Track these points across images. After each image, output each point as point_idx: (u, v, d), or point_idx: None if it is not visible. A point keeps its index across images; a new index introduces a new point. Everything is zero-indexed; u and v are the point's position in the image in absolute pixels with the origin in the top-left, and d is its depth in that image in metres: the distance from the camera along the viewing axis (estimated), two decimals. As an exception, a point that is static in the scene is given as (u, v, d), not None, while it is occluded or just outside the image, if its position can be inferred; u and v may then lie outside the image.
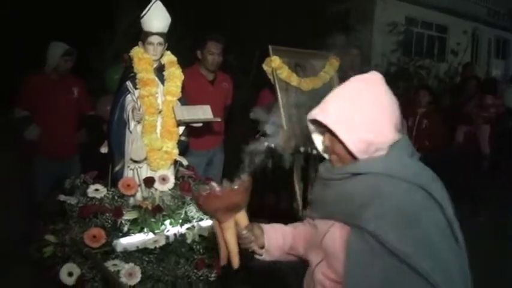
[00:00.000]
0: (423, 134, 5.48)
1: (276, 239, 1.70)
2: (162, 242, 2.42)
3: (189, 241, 2.53)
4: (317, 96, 3.86)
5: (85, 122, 4.05)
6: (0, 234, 4.03)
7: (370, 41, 9.79)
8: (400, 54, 10.02)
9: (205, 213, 1.70)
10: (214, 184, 1.60)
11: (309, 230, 1.67)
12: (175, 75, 2.75)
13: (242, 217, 1.66)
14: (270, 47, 3.58)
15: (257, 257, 1.71)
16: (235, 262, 1.64)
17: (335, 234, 1.42)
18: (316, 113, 1.43)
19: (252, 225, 1.67)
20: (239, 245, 1.66)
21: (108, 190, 2.60)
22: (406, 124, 5.45)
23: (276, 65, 3.54)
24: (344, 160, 1.43)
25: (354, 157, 1.39)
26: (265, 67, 3.62)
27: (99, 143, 2.99)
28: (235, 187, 1.59)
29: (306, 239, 1.68)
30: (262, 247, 1.68)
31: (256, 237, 1.66)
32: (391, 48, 9.99)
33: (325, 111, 1.41)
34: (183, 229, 2.55)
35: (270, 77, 3.62)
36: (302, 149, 3.44)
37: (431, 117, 5.56)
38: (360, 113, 1.35)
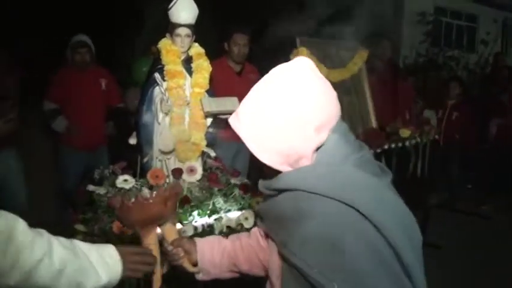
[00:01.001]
0: (453, 127, 5.37)
1: (211, 256, 1.47)
2: (191, 232, 2.43)
3: (216, 232, 2.54)
4: (345, 87, 3.84)
5: (113, 113, 4.11)
6: (33, 222, 4.12)
7: (399, 31, 9.61)
8: (429, 45, 9.80)
9: (125, 227, 1.56)
10: (146, 191, 1.54)
11: (254, 244, 1.47)
12: (203, 67, 2.75)
13: (169, 231, 1.51)
14: (297, 38, 3.55)
15: (196, 276, 1.51)
16: (157, 283, 1.47)
17: (273, 256, 1.22)
18: (232, 119, 1.20)
19: (181, 240, 1.49)
20: (170, 262, 1.51)
21: (136, 181, 2.63)
22: (436, 116, 5.36)
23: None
24: (272, 172, 1.16)
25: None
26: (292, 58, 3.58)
27: (127, 134, 3.03)
28: (150, 198, 1.45)
29: (249, 254, 1.47)
30: (196, 264, 1.48)
31: (187, 253, 1.47)
32: (420, 39, 9.78)
33: (239, 118, 1.17)
34: (211, 220, 2.56)
35: (297, 68, 3.58)
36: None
37: (462, 109, 5.45)
38: (272, 118, 1.09)
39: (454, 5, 13.18)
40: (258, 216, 1.42)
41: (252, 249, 1.47)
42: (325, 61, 3.72)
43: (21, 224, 1.15)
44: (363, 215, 1.00)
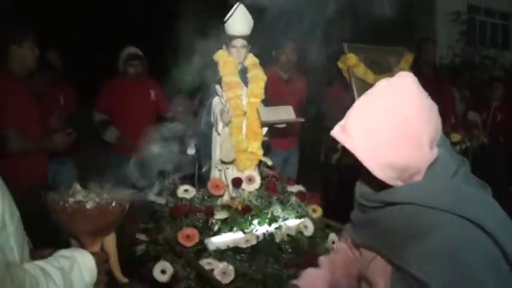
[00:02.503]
0: (498, 129, 5.26)
1: None
2: (254, 242, 2.46)
3: (277, 240, 2.57)
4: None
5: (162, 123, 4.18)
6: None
7: (434, 32, 9.47)
8: (464, 44, 9.64)
9: (67, 233, 1.35)
10: (80, 196, 1.28)
11: (346, 259, 1.47)
12: (259, 76, 2.80)
13: (111, 241, 1.37)
14: (344, 44, 3.56)
15: None
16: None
17: (377, 266, 1.21)
18: (337, 133, 1.19)
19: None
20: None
21: (197, 191, 2.68)
22: (480, 118, 5.27)
23: (352, 63, 3.51)
24: (377, 185, 1.18)
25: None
26: (340, 65, 3.60)
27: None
28: (113, 204, 1.27)
29: (345, 271, 1.46)
30: None
31: None
32: (455, 38, 9.63)
33: (346, 132, 1.16)
34: (271, 228, 2.59)
35: (345, 74, 3.60)
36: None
37: (507, 111, 5.34)
38: (388, 135, 1.10)
39: (487, 2, 12.92)
40: (351, 225, 1.42)
41: (345, 266, 1.47)
42: (372, 66, 3.71)
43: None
44: (481, 228, 1.03)
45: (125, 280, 1.43)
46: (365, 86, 3.63)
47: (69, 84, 4.26)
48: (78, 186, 1.32)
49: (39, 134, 2.92)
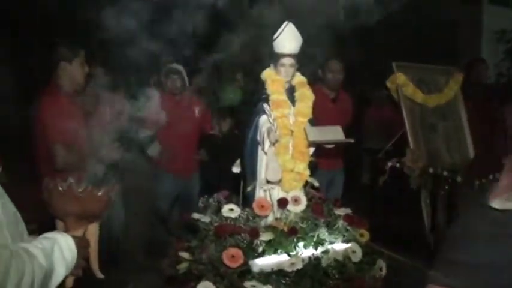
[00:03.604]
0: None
1: None
2: (299, 265, 2.40)
3: (323, 265, 2.49)
4: (441, 113, 3.72)
5: (205, 140, 4.19)
6: (130, 245, 4.26)
7: (478, 50, 9.23)
8: (510, 63, 9.33)
9: (53, 213, 1.44)
10: (72, 180, 1.39)
11: None
12: (306, 95, 2.76)
13: (93, 230, 1.48)
14: (394, 63, 3.49)
15: None
16: (69, 282, 1.40)
17: None
18: None
19: None
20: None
21: (242, 210, 2.64)
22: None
23: (401, 82, 3.43)
24: None
25: None
26: (389, 84, 3.52)
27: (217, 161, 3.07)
28: (100, 192, 1.40)
29: None
30: None
31: None
32: (500, 57, 9.34)
33: None
34: (317, 252, 2.51)
35: (394, 94, 3.52)
36: (431, 170, 3.28)
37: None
38: None
39: (534, 21, 12.51)
40: (457, 263, 1.04)
41: None
42: (421, 86, 3.61)
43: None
44: None
45: (100, 275, 1.52)
46: (414, 106, 3.54)
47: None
48: (71, 178, 1.42)
49: (85, 149, 2.96)
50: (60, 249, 1.30)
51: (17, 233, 1.29)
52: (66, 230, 1.40)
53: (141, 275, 3.94)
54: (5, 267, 1.09)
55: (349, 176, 3.99)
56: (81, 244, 1.37)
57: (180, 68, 4.10)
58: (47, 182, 1.43)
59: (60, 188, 1.36)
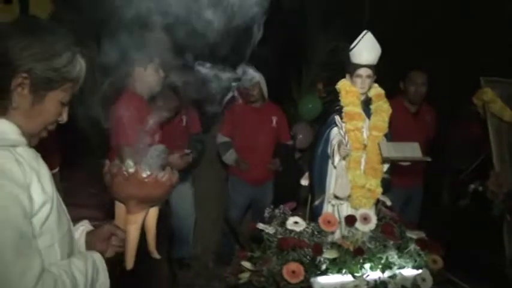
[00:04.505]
0: None
1: None
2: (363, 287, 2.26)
3: (390, 290, 2.33)
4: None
5: (281, 150, 4.15)
6: (201, 252, 4.35)
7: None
8: None
9: (115, 195, 1.48)
10: (131, 163, 1.43)
11: None
12: (383, 109, 2.61)
13: (153, 215, 1.51)
14: (481, 78, 3.20)
15: None
16: (130, 262, 1.48)
17: None
18: None
19: None
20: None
21: (307, 224, 2.55)
22: None
23: (488, 98, 3.13)
24: None
25: None
26: (475, 100, 3.24)
27: (291, 172, 2.99)
28: (164, 178, 1.42)
29: None
30: None
31: None
32: None
33: None
34: (384, 276, 2.36)
35: (480, 111, 3.23)
36: (516, 196, 2.96)
37: None
38: None
39: None
40: None
41: None
42: (510, 103, 3.28)
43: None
44: None
45: (157, 256, 1.56)
46: (501, 125, 3.22)
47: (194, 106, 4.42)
48: (131, 162, 1.45)
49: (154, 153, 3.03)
50: (97, 270, 1.36)
51: (69, 248, 1.33)
52: (128, 213, 1.46)
53: (209, 281, 4.00)
54: None
55: (429, 196, 3.72)
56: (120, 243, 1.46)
57: (257, 77, 4.09)
58: (109, 166, 1.49)
59: (126, 174, 1.40)
